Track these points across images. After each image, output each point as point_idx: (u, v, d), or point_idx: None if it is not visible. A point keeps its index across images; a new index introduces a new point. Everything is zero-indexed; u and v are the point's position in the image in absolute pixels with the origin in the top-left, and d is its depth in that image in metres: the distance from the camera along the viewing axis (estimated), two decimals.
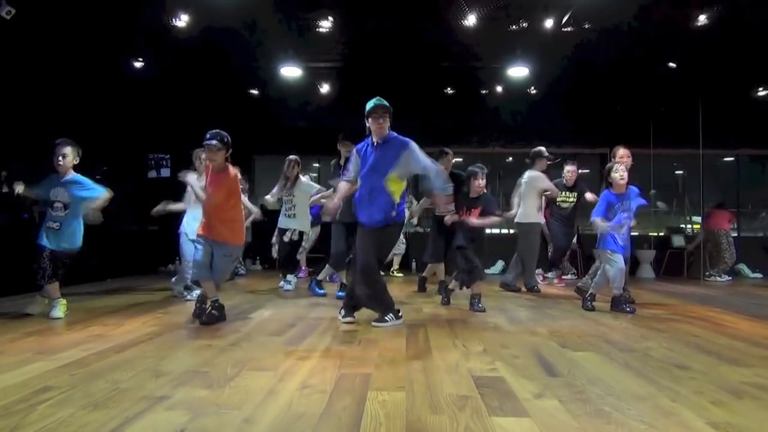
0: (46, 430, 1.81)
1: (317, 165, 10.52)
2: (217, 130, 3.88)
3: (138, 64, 7.17)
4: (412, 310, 4.54)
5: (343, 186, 4.03)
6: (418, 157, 3.83)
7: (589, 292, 4.75)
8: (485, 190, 4.68)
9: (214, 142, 3.79)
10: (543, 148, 6.19)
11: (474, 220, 4.55)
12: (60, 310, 4.11)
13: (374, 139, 3.90)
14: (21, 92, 5.86)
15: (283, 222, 6.09)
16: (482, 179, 4.58)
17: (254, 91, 8.64)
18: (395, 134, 3.93)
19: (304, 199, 5.99)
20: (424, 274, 6.07)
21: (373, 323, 3.82)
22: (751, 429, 1.89)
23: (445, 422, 1.90)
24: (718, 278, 7.84)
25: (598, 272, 4.79)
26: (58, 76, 6.25)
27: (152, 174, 8.87)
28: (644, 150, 9.35)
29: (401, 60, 7.39)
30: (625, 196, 4.61)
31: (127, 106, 7.64)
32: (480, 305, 4.61)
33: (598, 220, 4.57)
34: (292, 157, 6.00)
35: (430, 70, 7.81)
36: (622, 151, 5.20)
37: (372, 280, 3.86)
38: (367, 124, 3.91)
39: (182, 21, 5.95)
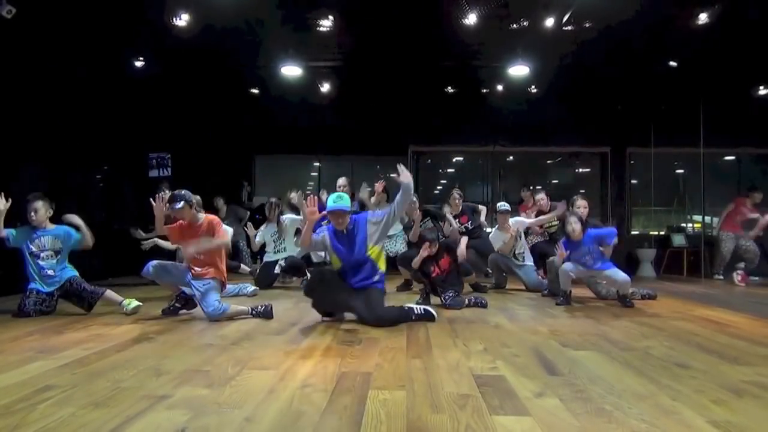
0: (47, 429, 1.81)
1: (318, 164, 10.54)
2: (175, 193, 4.10)
3: (138, 64, 7.17)
4: None
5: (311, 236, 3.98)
6: (379, 216, 3.96)
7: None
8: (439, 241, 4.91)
9: (177, 206, 4.05)
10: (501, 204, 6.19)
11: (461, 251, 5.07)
12: (130, 304, 4.30)
13: (340, 230, 3.95)
14: (21, 92, 5.87)
15: (272, 257, 6.37)
16: (434, 247, 4.73)
17: (254, 91, 8.64)
18: (355, 216, 4.01)
19: (291, 230, 6.34)
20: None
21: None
22: (752, 428, 1.89)
23: (446, 421, 1.90)
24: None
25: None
26: (59, 75, 6.25)
27: (153, 173, 8.89)
28: (645, 149, 9.38)
29: (402, 59, 7.39)
30: (581, 242, 4.93)
31: (128, 106, 7.64)
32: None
33: (562, 267, 4.95)
34: (272, 200, 6.42)
35: (430, 69, 7.80)
36: (579, 202, 5.57)
37: (393, 321, 3.85)
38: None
39: (182, 20, 5.95)
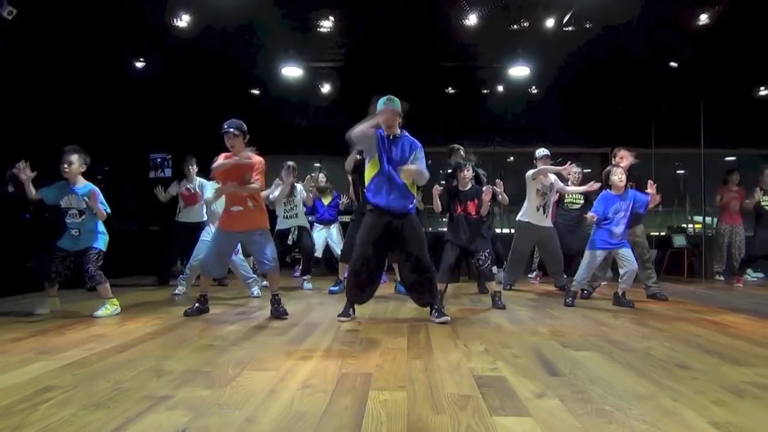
0: (47, 430, 1.82)
1: (318, 165, 10.53)
2: (233, 119, 4.19)
3: (139, 64, 7.18)
4: (414, 310, 4.54)
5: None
6: (422, 161, 3.98)
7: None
8: (473, 182, 4.77)
9: (231, 129, 4.13)
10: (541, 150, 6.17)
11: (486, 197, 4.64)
12: (105, 309, 4.21)
13: (386, 132, 3.99)
14: (22, 93, 5.86)
15: (283, 224, 6.29)
16: (468, 170, 4.66)
17: (255, 91, 8.64)
18: (406, 133, 4.06)
19: (300, 201, 6.33)
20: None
21: (437, 320, 3.93)
22: (753, 428, 1.89)
23: (447, 422, 1.90)
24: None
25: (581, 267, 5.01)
26: (59, 76, 6.25)
27: (153, 174, 8.89)
28: (645, 149, 9.36)
29: (402, 59, 7.38)
30: (623, 197, 4.89)
31: (128, 106, 7.64)
32: (501, 302, 4.73)
33: (590, 216, 4.90)
34: (290, 163, 6.29)
35: (431, 69, 7.80)
36: (622, 152, 5.51)
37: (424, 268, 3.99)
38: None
39: (183, 21, 5.96)
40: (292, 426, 1.87)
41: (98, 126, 7.09)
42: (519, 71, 7.48)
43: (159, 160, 8.87)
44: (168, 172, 8.85)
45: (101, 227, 4.35)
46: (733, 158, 10.03)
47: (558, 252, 5.98)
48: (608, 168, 5.14)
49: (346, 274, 5.97)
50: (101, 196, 4.28)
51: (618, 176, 4.94)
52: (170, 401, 2.10)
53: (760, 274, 8.01)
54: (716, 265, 7.96)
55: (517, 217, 6.18)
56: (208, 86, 8.08)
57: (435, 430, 1.84)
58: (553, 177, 6.08)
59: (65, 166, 4.23)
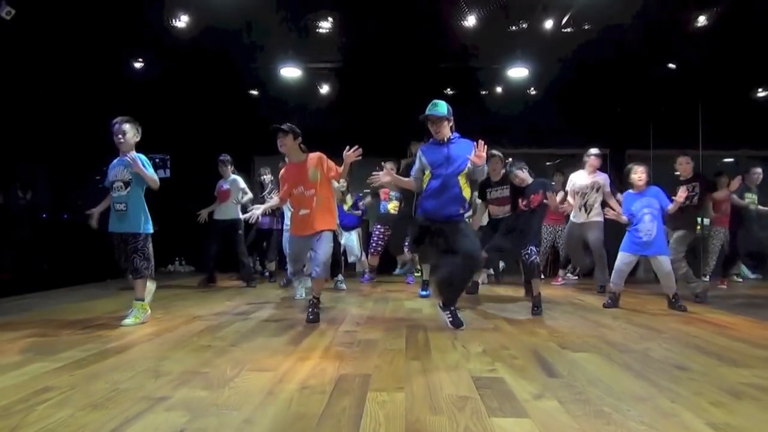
0: (45, 431, 1.81)
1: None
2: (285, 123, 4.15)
3: (138, 65, 7.18)
4: (414, 311, 4.55)
5: (407, 181, 4.11)
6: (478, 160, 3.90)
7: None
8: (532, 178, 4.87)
9: (281, 127, 4.07)
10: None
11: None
12: (135, 318, 3.81)
13: (437, 138, 3.98)
14: (21, 93, 5.87)
15: None
16: (523, 172, 4.82)
17: (254, 92, 8.64)
18: (459, 135, 4.04)
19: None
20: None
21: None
22: (751, 430, 1.89)
23: (445, 423, 1.90)
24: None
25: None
26: (58, 77, 6.26)
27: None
28: (644, 151, 9.37)
29: (401, 61, 7.38)
30: (644, 194, 4.90)
31: (128, 107, 7.65)
32: (537, 309, 4.46)
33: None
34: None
35: (429, 70, 7.80)
36: (681, 159, 5.82)
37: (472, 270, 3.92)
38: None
39: (182, 21, 5.96)
40: (290, 427, 1.87)
41: (97, 126, 7.09)
42: (518, 72, 7.49)
43: (158, 160, 8.86)
44: (167, 173, 8.84)
45: (145, 209, 3.97)
46: (731, 159, 10.04)
47: (596, 246, 6.01)
48: (628, 166, 5.08)
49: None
50: (147, 162, 3.97)
51: (637, 175, 4.92)
52: (168, 402, 2.10)
53: (759, 275, 7.99)
54: (703, 267, 7.93)
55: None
56: (208, 87, 8.08)
57: (433, 431, 1.84)
58: (602, 177, 6.17)
59: (119, 137, 3.92)
